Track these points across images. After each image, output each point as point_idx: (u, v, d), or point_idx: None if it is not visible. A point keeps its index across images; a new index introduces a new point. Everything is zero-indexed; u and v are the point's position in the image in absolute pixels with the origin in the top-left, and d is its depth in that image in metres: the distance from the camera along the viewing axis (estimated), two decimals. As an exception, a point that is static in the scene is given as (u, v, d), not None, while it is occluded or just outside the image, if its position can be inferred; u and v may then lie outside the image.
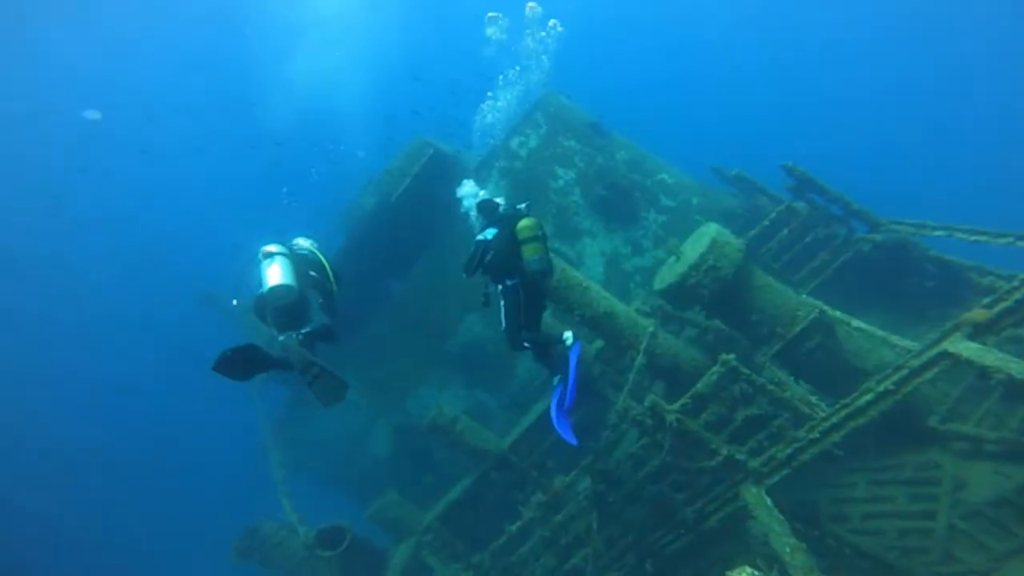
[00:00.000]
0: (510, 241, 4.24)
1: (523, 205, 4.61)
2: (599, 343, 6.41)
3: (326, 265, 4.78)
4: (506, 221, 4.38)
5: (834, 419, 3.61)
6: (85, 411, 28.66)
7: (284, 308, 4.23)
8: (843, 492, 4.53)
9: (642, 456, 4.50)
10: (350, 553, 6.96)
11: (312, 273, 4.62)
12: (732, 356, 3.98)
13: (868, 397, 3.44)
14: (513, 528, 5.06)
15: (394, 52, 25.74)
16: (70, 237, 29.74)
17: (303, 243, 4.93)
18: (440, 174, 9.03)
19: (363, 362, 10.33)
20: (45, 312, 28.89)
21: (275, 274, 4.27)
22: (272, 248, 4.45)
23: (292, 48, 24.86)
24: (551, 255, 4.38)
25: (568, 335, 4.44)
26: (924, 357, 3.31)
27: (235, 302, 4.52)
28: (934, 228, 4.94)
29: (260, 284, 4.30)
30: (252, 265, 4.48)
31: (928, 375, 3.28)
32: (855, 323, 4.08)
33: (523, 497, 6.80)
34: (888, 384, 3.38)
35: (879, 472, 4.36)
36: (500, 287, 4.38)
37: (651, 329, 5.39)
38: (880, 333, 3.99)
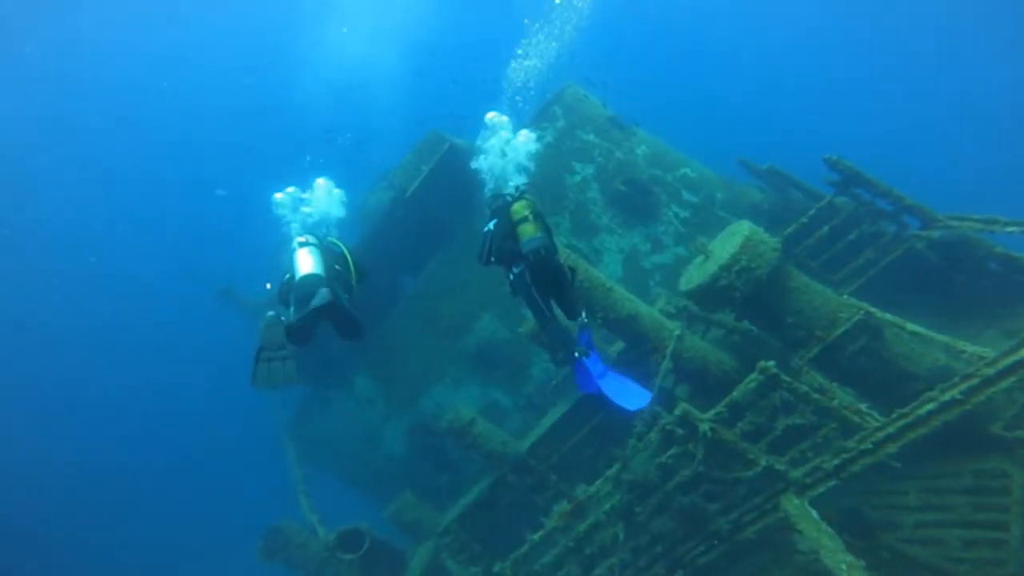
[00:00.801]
0: (508, 226, 4.22)
1: (514, 189, 4.55)
2: (620, 345, 6.21)
3: (349, 260, 4.90)
4: (504, 208, 4.38)
5: (889, 429, 3.38)
6: (104, 415, 29.16)
7: (310, 296, 4.30)
8: (891, 499, 4.28)
9: (672, 466, 4.30)
10: (370, 556, 6.92)
11: (337, 267, 4.76)
12: (772, 363, 3.76)
13: (930, 406, 3.20)
14: (536, 537, 4.92)
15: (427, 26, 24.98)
16: (91, 237, 30.22)
17: (321, 204, 5.05)
18: (455, 169, 8.84)
19: (377, 359, 10.29)
20: (62, 314, 29.41)
21: (307, 263, 4.40)
22: (305, 238, 4.61)
23: (325, 32, 24.37)
24: (548, 234, 4.23)
25: (577, 352, 4.29)
26: (1000, 364, 3.04)
27: (268, 285, 4.83)
28: (1006, 224, 4.59)
29: (291, 270, 4.43)
30: (284, 251, 4.62)
31: (1004, 384, 3.03)
32: (910, 327, 3.81)
33: (542, 500, 6.68)
34: (955, 393, 3.13)
35: (933, 479, 4.10)
36: (511, 277, 4.30)
37: (677, 332, 5.17)
38: (942, 338, 3.71)
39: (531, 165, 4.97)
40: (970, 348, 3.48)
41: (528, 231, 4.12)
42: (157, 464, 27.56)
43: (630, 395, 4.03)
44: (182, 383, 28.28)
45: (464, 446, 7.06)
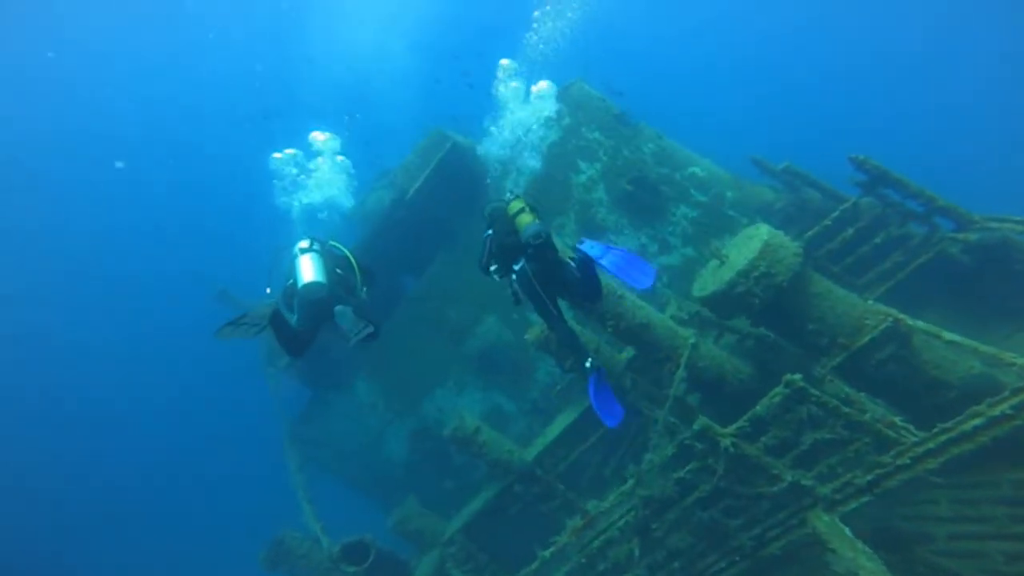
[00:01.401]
0: (507, 223, 4.35)
1: (508, 194, 4.67)
2: (630, 351, 6.02)
3: (354, 263, 4.95)
4: (500, 210, 4.55)
5: (930, 444, 3.19)
6: (105, 420, 28.80)
7: (313, 303, 4.45)
8: (920, 509, 4.09)
9: (691, 481, 4.12)
10: (375, 568, 6.75)
11: (339, 271, 4.80)
12: (798, 376, 3.57)
13: (977, 422, 3.02)
14: (546, 554, 4.74)
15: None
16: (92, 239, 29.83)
17: (324, 175, 5.07)
18: (458, 169, 8.62)
19: (378, 363, 10.10)
20: (60, 317, 29.02)
21: (309, 270, 4.44)
22: (306, 244, 4.64)
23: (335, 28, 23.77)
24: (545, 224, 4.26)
25: (589, 363, 4.20)
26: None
27: (268, 290, 4.80)
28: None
29: (293, 277, 4.48)
30: (285, 256, 4.68)
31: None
32: (947, 335, 3.61)
33: (549, 510, 6.52)
34: (1005, 408, 2.94)
35: (968, 489, 3.91)
36: (514, 277, 4.30)
37: (692, 340, 4.97)
38: (986, 349, 3.49)
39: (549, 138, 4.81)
40: (1020, 360, 3.27)
41: (526, 220, 4.21)
42: (158, 471, 27.27)
43: (610, 411, 4.00)
44: (183, 388, 28.02)
45: (469, 455, 6.88)
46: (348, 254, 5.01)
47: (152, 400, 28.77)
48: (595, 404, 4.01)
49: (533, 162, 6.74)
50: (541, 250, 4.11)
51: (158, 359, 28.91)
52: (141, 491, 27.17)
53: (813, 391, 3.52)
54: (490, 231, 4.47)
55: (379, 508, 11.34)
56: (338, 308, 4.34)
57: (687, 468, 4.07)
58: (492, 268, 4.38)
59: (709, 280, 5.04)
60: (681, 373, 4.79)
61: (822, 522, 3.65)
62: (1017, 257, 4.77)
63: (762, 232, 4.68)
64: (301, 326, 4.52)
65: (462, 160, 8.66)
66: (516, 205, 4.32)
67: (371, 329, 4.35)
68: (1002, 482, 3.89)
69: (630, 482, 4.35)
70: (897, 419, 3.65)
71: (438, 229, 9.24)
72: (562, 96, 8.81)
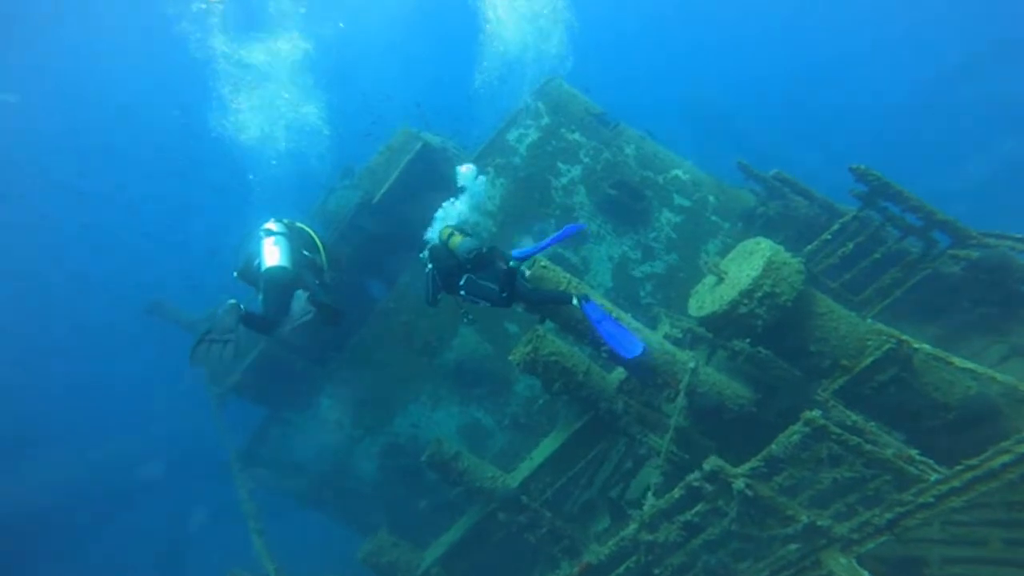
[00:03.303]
0: (443, 249, 4.59)
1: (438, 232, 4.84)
2: (621, 372, 5.66)
3: (319, 244, 5.09)
4: (436, 246, 4.78)
5: (955, 482, 2.99)
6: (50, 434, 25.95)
7: (277, 287, 4.54)
8: (911, 531, 3.94)
9: (699, 524, 3.79)
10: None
11: (306, 252, 4.85)
12: (817, 413, 3.28)
13: (1005, 459, 2.82)
14: (540, 604, 4.31)
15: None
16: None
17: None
18: (429, 171, 8.01)
19: (346, 377, 9.39)
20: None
21: (274, 254, 4.52)
22: (273, 225, 4.72)
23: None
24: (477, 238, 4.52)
25: (575, 301, 4.31)
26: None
27: (235, 274, 4.81)
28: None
29: (258, 259, 4.57)
30: (251, 239, 4.72)
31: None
32: (958, 361, 3.43)
33: (536, 539, 6.11)
34: None
35: (959, 510, 3.78)
36: (464, 294, 4.49)
37: (691, 365, 4.64)
38: (1004, 378, 3.31)
39: None
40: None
41: (457, 239, 4.41)
42: (87, 497, 24.73)
43: (626, 341, 4.22)
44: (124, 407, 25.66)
45: (449, 482, 6.37)
46: (315, 236, 5.11)
47: (85, 416, 26.24)
48: (606, 337, 4.12)
49: (533, 134, 6.85)
50: (478, 261, 4.33)
51: (92, 374, 26.33)
52: (59, 522, 24.59)
53: (834, 429, 3.24)
54: (430, 266, 4.66)
55: (346, 532, 10.65)
56: (297, 292, 4.43)
57: (695, 511, 3.73)
58: (439, 297, 4.57)
59: (707, 298, 4.73)
60: (682, 401, 4.45)
61: (838, 565, 3.41)
62: (1016, 276, 4.73)
63: (763, 248, 4.40)
64: (267, 310, 4.49)
65: (433, 162, 8.05)
66: (445, 232, 4.55)
67: (310, 316, 4.54)
68: (993, 504, 3.80)
69: (632, 527, 3.97)
70: (914, 452, 3.43)
71: (408, 236, 8.58)
72: (539, 93, 8.35)
